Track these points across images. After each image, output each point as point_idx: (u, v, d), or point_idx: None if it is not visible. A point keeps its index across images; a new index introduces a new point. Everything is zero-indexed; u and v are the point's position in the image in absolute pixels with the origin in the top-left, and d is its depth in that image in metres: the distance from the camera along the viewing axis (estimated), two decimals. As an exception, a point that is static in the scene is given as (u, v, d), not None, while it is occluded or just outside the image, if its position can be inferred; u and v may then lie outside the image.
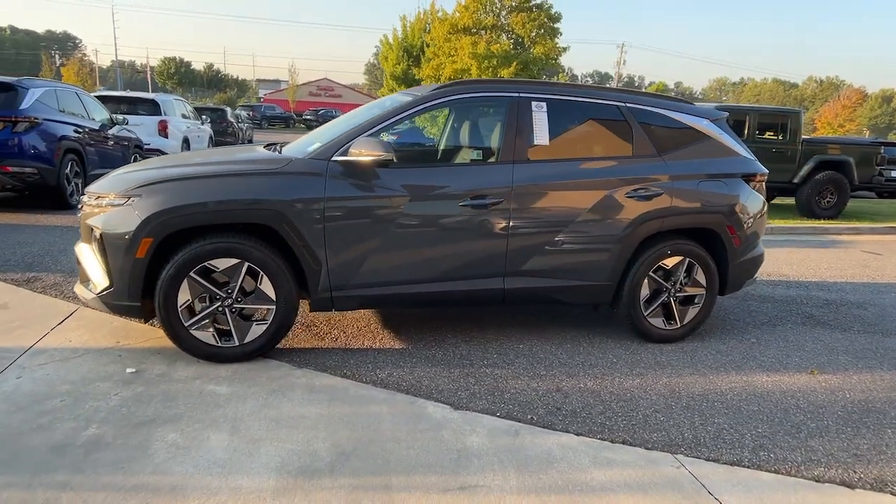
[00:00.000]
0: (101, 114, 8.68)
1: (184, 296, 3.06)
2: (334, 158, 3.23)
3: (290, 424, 2.63)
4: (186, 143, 12.44)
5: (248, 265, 3.11)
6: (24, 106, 6.75)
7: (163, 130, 11.53)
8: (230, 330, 3.17)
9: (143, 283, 3.04)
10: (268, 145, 3.97)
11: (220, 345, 3.17)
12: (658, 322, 3.93)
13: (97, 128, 8.27)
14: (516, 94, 3.64)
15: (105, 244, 3.06)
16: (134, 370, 3.04)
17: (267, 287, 3.17)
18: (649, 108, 3.92)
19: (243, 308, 3.19)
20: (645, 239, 3.77)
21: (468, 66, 22.42)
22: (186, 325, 3.09)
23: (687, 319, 3.98)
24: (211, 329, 3.15)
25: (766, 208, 4.21)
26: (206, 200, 3.08)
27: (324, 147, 3.32)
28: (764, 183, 4.17)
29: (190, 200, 3.06)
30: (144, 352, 3.27)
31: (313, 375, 3.14)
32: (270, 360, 3.28)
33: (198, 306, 3.12)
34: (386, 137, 3.52)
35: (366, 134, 3.31)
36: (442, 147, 4.72)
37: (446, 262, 3.47)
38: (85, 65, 48.28)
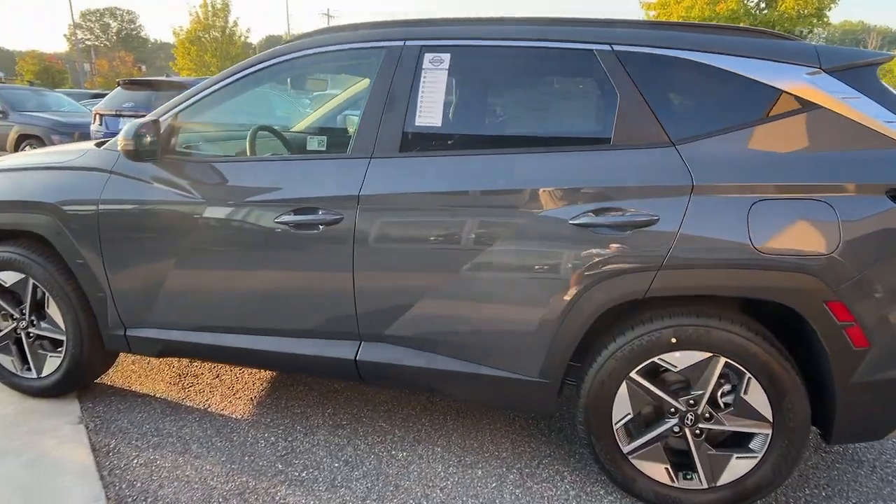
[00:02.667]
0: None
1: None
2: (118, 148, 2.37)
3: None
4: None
5: (33, 283, 2.53)
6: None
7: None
8: (28, 358, 2.65)
9: None
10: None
11: (18, 373, 2.68)
12: (656, 472, 2.02)
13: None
14: (397, 42, 2.20)
15: None
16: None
17: (55, 312, 2.54)
18: (663, 52, 1.98)
19: (40, 334, 2.63)
20: (613, 310, 1.94)
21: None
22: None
23: (725, 478, 1.96)
24: (10, 354, 2.68)
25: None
26: None
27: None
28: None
29: None
30: None
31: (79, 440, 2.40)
32: (66, 405, 2.64)
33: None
34: (180, 118, 2.39)
35: (154, 113, 2.37)
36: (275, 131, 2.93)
37: (271, 308, 2.30)
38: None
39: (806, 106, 1.84)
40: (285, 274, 2.23)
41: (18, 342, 2.66)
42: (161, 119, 2.31)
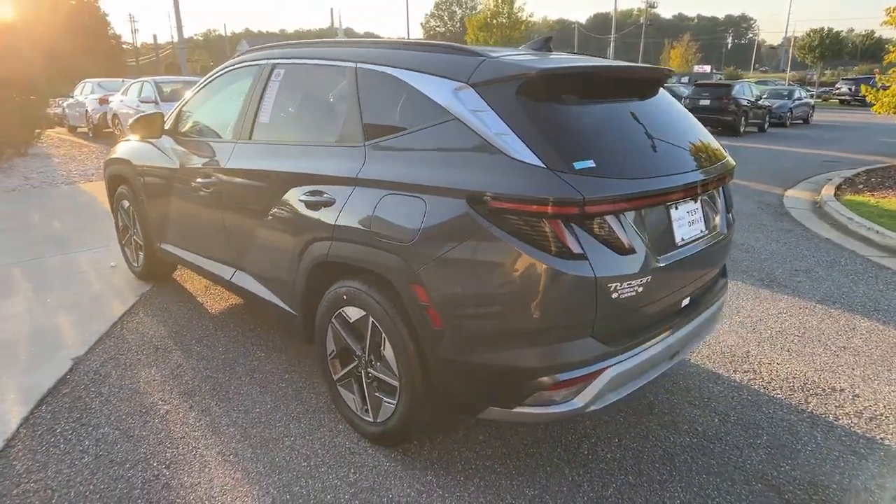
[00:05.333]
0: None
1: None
2: None
3: None
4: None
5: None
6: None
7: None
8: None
9: None
10: None
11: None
12: (350, 401, 2.57)
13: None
14: (267, 61, 3.06)
15: None
16: None
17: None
18: (379, 69, 2.41)
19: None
20: (319, 268, 2.53)
21: None
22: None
23: (381, 417, 2.41)
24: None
25: (549, 275, 1.84)
26: None
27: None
28: (544, 218, 1.83)
29: None
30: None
31: None
32: (138, 288, 4.36)
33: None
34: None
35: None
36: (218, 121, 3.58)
37: (202, 239, 3.48)
38: (689, 46, 50.11)
39: (447, 117, 2.11)
40: (201, 216, 3.39)
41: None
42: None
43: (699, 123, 2.66)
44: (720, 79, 30.40)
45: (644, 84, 2.44)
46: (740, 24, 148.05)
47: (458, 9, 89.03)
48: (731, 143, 14.79)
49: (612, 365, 2.02)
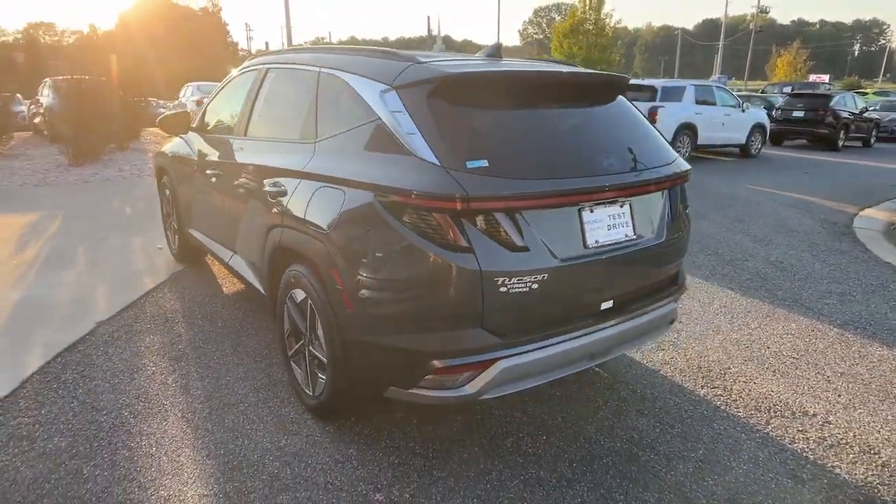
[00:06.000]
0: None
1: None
2: None
3: None
4: (690, 131, 12.11)
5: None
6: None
7: (651, 117, 11.84)
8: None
9: None
10: None
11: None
12: (300, 376, 2.80)
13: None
14: (263, 66, 3.39)
15: None
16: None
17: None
18: (333, 72, 2.64)
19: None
20: (276, 252, 2.79)
21: None
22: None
23: (317, 391, 2.63)
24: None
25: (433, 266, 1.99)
26: None
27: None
28: (428, 210, 1.97)
29: None
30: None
31: None
32: (171, 267, 4.86)
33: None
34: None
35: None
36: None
37: (211, 224, 3.87)
38: (799, 54, 46.08)
39: (373, 117, 2.29)
40: (210, 204, 3.76)
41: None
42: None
43: (652, 130, 2.65)
44: (829, 89, 27.96)
45: (577, 88, 2.49)
46: (871, 30, 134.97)
47: (558, 15, 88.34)
48: (820, 158, 13.71)
49: (504, 357, 2.10)
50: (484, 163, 2.01)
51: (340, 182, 2.30)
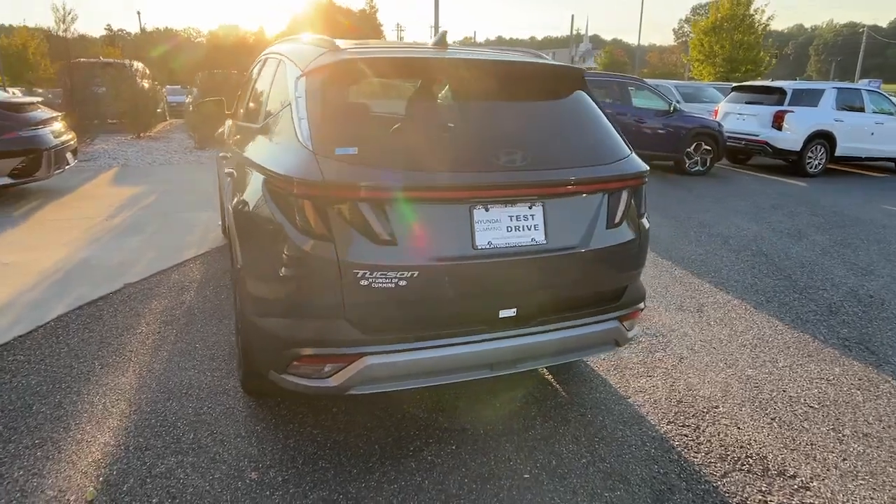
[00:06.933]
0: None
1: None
2: None
3: None
4: (825, 138, 10.56)
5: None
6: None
7: (777, 122, 10.51)
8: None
9: None
10: None
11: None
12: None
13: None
14: (264, 56, 3.55)
15: None
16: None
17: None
18: (282, 59, 2.71)
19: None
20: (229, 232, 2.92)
21: None
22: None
23: (240, 367, 2.72)
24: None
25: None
26: None
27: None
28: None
29: None
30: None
31: None
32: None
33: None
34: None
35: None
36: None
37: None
38: None
39: (287, 102, 2.32)
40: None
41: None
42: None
43: (606, 128, 2.37)
44: None
45: (499, 79, 2.29)
46: None
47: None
48: None
49: (372, 353, 2.02)
50: (353, 150, 1.94)
51: (254, 165, 2.36)
